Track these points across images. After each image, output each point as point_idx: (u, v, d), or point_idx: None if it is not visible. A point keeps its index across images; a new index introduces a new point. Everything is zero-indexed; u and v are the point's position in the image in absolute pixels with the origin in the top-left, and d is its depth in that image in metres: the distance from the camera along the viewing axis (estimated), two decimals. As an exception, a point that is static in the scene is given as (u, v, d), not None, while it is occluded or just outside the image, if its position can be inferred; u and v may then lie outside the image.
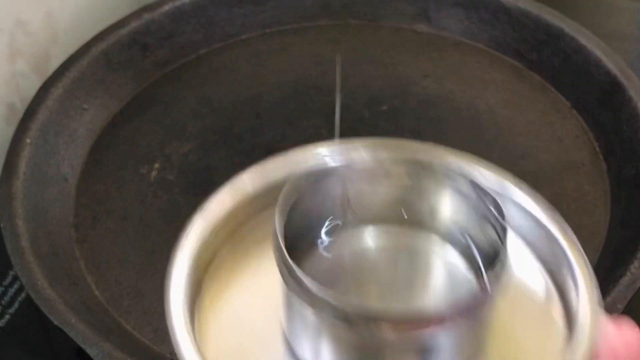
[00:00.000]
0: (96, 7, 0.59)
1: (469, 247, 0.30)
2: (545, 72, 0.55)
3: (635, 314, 0.43)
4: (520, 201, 0.30)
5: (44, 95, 0.51)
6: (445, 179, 0.30)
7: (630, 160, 0.48)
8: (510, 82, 0.55)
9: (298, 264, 0.26)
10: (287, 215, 0.28)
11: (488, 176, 0.32)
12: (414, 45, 0.58)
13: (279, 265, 0.27)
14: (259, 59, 0.58)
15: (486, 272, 0.28)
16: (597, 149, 0.51)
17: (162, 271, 0.46)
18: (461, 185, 0.30)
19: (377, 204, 0.31)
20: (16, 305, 0.48)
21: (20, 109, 0.51)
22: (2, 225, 0.45)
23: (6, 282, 0.49)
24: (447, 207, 0.31)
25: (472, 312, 0.26)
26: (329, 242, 0.30)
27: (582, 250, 0.28)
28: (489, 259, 0.28)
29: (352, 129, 0.52)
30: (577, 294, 0.27)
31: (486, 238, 0.29)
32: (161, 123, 0.54)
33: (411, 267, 0.31)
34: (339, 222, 0.31)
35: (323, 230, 0.31)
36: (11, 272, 0.49)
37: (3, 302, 0.48)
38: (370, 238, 0.31)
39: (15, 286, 0.49)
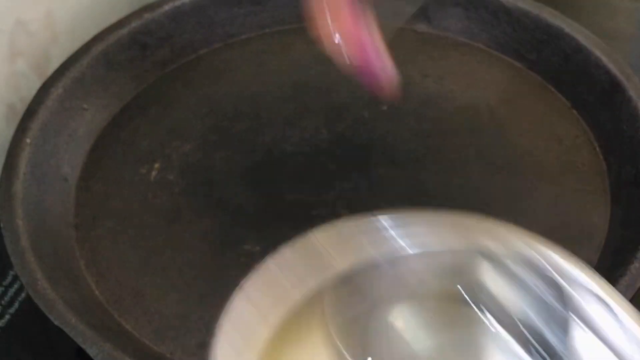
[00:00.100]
0: (96, 7, 0.59)
1: (530, 340, 0.28)
2: (545, 72, 0.55)
3: (635, 314, 0.43)
4: (594, 291, 0.29)
5: (44, 95, 0.51)
6: (509, 268, 0.29)
7: (630, 160, 0.48)
8: (510, 82, 0.55)
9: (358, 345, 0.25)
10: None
11: (556, 263, 0.30)
12: (414, 45, 0.58)
13: None
14: (259, 59, 0.58)
15: None
16: (597, 149, 0.51)
17: (162, 271, 0.46)
18: (525, 275, 0.29)
19: (435, 289, 0.30)
20: (16, 305, 0.48)
21: (20, 109, 0.51)
22: (2, 225, 0.45)
23: (6, 282, 0.49)
24: (510, 297, 0.29)
25: None
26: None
27: None
28: (553, 354, 0.27)
29: (352, 129, 0.53)
30: None
31: (551, 332, 0.28)
32: (161, 123, 0.54)
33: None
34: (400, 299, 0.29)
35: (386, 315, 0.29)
36: (11, 272, 0.49)
37: (3, 302, 0.48)
38: (427, 324, 0.30)
39: (15, 286, 0.49)
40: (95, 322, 0.42)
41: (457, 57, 0.57)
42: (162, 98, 0.55)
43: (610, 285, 0.29)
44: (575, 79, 0.53)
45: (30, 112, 0.50)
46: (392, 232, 0.29)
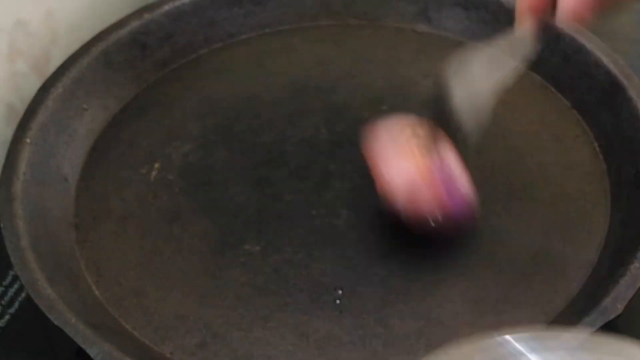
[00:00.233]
0: (96, 7, 0.59)
1: None
2: (545, 72, 0.55)
3: (635, 314, 0.43)
4: None
5: (44, 95, 0.51)
6: None
7: (630, 160, 0.48)
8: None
9: None
10: None
11: None
12: (414, 45, 0.58)
13: None
14: (259, 59, 0.58)
15: None
16: (597, 149, 0.51)
17: (162, 271, 0.46)
18: None
19: None
20: (16, 305, 0.48)
21: (20, 109, 0.51)
22: (2, 225, 0.45)
23: (6, 282, 0.49)
24: None
25: None
26: None
27: None
28: None
29: (352, 129, 0.53)
30: None
31: None
32: (161, 123, 0.54)
33: None
34: None
35: None
36: (11, 272, 0.49)
37: (3, 302, 0.48)
38: None
39: (15, 286, 0.49)
40: (95, 322, 0.42)
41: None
42: (162, 98, 0.55)
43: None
44: (575, 79, 0.53)
45: (30, 112, 0.50)
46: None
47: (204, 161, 0.51)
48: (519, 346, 0.26)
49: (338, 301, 0.44)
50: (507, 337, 0.25)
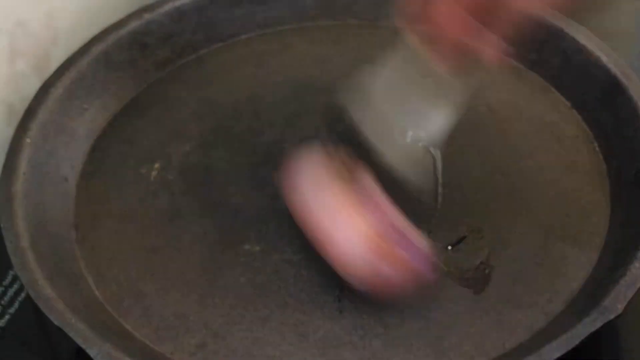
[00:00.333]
0: (96, 7, 0.59)
1: None
2: (545, 72, 0.55)
3: (635, 314, 0.43)
4: None
5: (44, 95, 0.51)
6: None
7: (630, 160, 0.48)
8: (510, 82, 0.55)
9: None
10: None
11: None
12: (414, 45, 0.58)
13: None
14: (259, 59, 0.58)
15: None
16: (597, 149, 0.51)
17: (162, 271, 0.46)
18: None
19: None
20: (16, 305, 0.48)
21: (20, 109, 0.51)
22: (2, 225, 0.45)
23: (6, 282, 0.49)
24: None
25: None
26: None
27: None
28: None
29: (352, 129, 0.53)
30: None
31: None
32: (161, 123, 0.54)
33: None
34: None
35: None
36: (11, 272, 0.49)
37: (3, 302, 0.48)
38: None
39: (15, 286, 0.49)
40: (95, 322, 0.42)
41: (457, 57, 0.57)
42: (162, 98, 0.55)
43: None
44: (575, 79, 0.53)
45: (30, 112, 0.50)
46: None
47: (204, 161, 0.51)
48: None
49: (338, 301, 0.44)
50: None
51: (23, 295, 0.48)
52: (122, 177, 0.51)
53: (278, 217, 0.48)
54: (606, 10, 0.58)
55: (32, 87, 0.52)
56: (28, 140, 0.49)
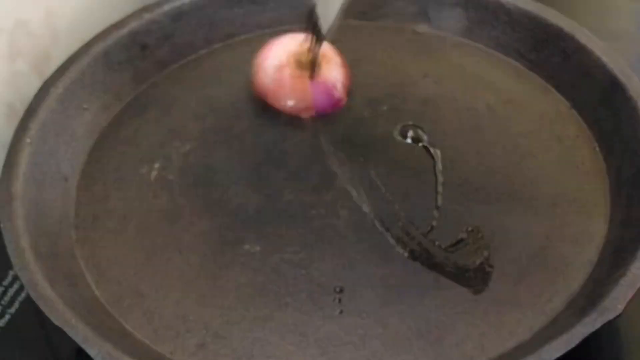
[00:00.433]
0: (96, 7, 0.59)
1: None
2: (545, 72, 0.55)
3: (635, 314, 0.43)
4: None
5: (44, 95, 0.51)
6: None
7: (630, 160, 0.48)
8: (510, 82, 0.55)
9: None
10: None
11: None
12: (414, 45, 0.58)
13: None
14: (259, 59, 0.58)
15: None
16: (597, 149, 0.51)
17: (162, 271, 0.46)
18: None
19: None
20: (16, 305, 0.48)
21: (20, 109, 0.51)
22: (2, 225, 0.45)
23: (6, 282, 0.49)
24: None
25: None
26: None
27: None
28: None
29: (352, 129, 0.53)
30: None
31: None
32: (161, 123, 0.54)
33: None
34: None
35: None
36: (11, 272, 0.49)
37: (3, 302, 0.48)
38: None
39: (15, 286, 0.49)
40: (95, 322, 0.42)
41: (457, 57, 0.57)
42: (162, 98, 0.55)
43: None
44: (575, 79, 0.53)
45: (30, 112, 0.50)
46: None
47: (204, 161, 0.51)
48: None
49: (338, 301, 0.44)
50: None
51: (23, 295, 0.48)
52: (122, 177, 0.51)
53: (278, 217, 0.48)
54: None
55: (32, 87, 0.52)
56: (28, 140, 0.49)
